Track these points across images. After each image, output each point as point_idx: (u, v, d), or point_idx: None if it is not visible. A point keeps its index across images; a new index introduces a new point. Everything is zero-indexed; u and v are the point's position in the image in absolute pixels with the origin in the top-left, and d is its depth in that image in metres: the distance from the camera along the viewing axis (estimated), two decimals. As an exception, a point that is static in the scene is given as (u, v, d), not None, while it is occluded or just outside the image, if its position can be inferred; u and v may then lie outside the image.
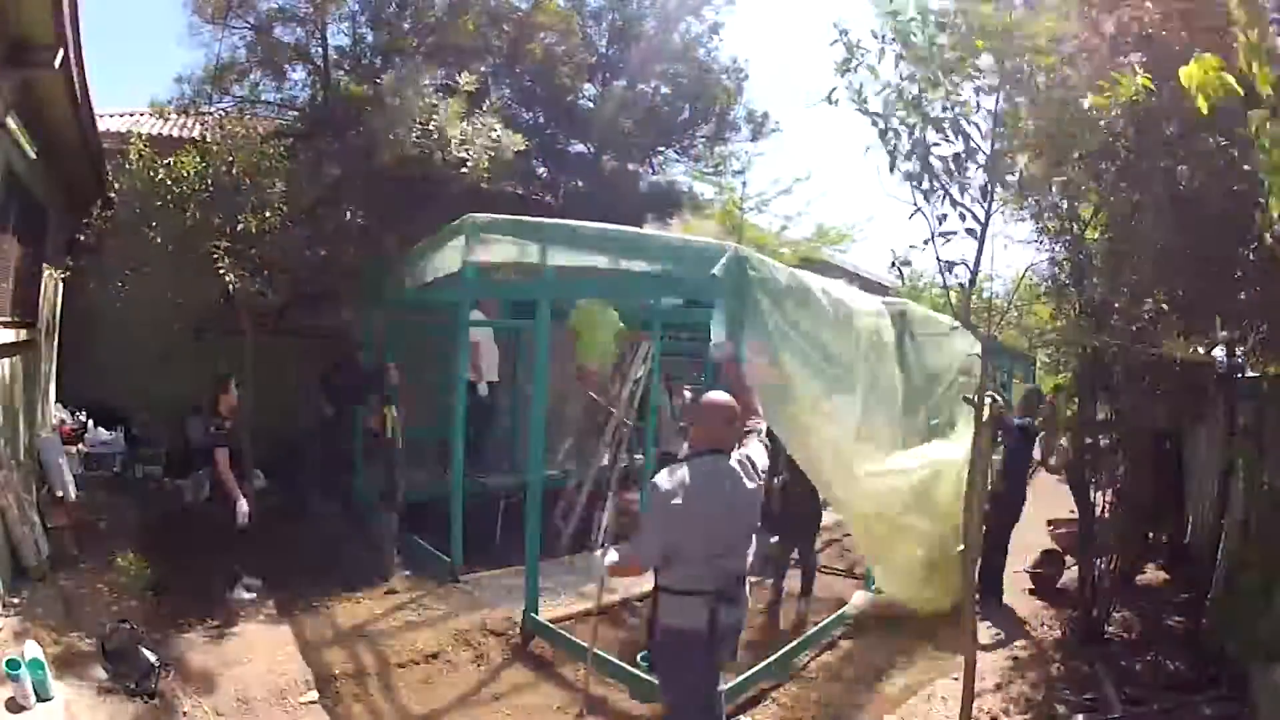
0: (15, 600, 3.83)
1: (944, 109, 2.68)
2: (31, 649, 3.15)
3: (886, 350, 4.58)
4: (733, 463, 2.48)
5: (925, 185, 2.74)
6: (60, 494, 5.04)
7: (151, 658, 3.46)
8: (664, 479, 2.43)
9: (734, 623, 2.50)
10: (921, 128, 2.68)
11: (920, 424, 5.00)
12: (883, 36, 2.67)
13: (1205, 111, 1.78)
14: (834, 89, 2.74)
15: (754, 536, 2.61)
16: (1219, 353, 4.35)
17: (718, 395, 2.59)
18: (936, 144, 2.72)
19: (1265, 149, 1.68)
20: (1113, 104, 2.37)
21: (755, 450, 2.61)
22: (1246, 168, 2.83)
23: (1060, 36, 2.56)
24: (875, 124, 2.73)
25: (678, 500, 2.36)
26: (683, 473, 2.42)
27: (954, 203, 2.75)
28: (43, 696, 3.03)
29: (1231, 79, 1.75)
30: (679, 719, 2.66)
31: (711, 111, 10.25)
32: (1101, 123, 2.81)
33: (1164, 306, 3.09)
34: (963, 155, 2.72)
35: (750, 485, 2.49)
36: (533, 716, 3.55)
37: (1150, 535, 5.62)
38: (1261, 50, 1.72)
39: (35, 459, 5.12)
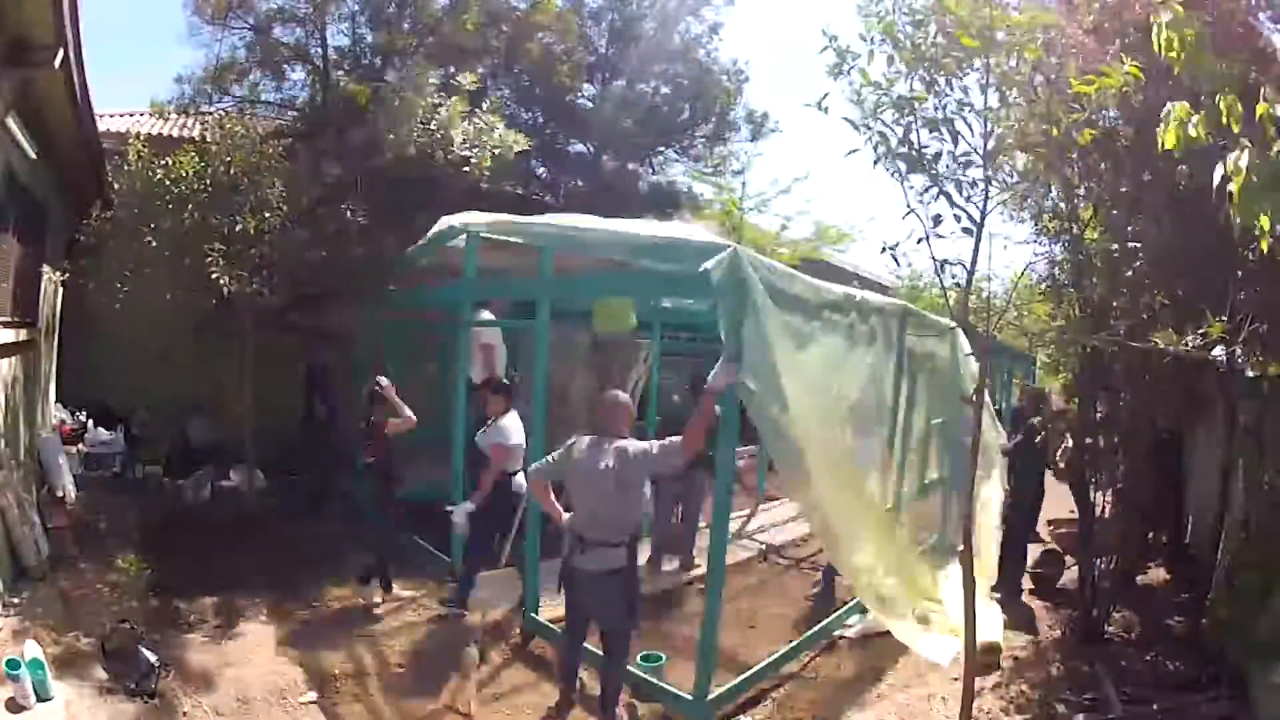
0: (15, 600, 3.83)
1: (935, 108, 2.68)
2: (31, 649, 3.16)
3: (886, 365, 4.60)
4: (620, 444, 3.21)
5: (917, 185, 2.74)
6: (60, 494, 5.05)
7: (151, 658, 3.46)
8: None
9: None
10: (915, 128, 2.67)
11: (919, 443, 5.02)
12: (870, 38, 2.67)
13: (1174, 148, 1.89)
14: (825, 94, 2.74)
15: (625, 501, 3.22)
16: (1219, 353, 4.35)
17: (618, 395, 3.51)
18: (926, 145, 2.72)
19: (1240, 195, 1.69)
20: (1104, 95, 2.37)
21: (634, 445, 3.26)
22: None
23: (1045, 29, 2.55)
24: (861, 129, 2.73)
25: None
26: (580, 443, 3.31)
27: (950, 202, 2.74)
28: (43, 696, 3.03)
29: (1202, 121, 1.80)
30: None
31: (711, 112, 10.26)
32: (1096, 119, 2.82)
33: (1164, 302, 3.09)
34: (955, 153, 2.72)
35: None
36: (533, 716, 3.55)
37: (1150, 535, 5.61)
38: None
39: (35, 459, 5.12)
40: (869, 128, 2.71)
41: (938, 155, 2.71)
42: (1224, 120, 1.76)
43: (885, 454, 4.75)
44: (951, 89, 2.65)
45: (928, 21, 2.58)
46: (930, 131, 2.69)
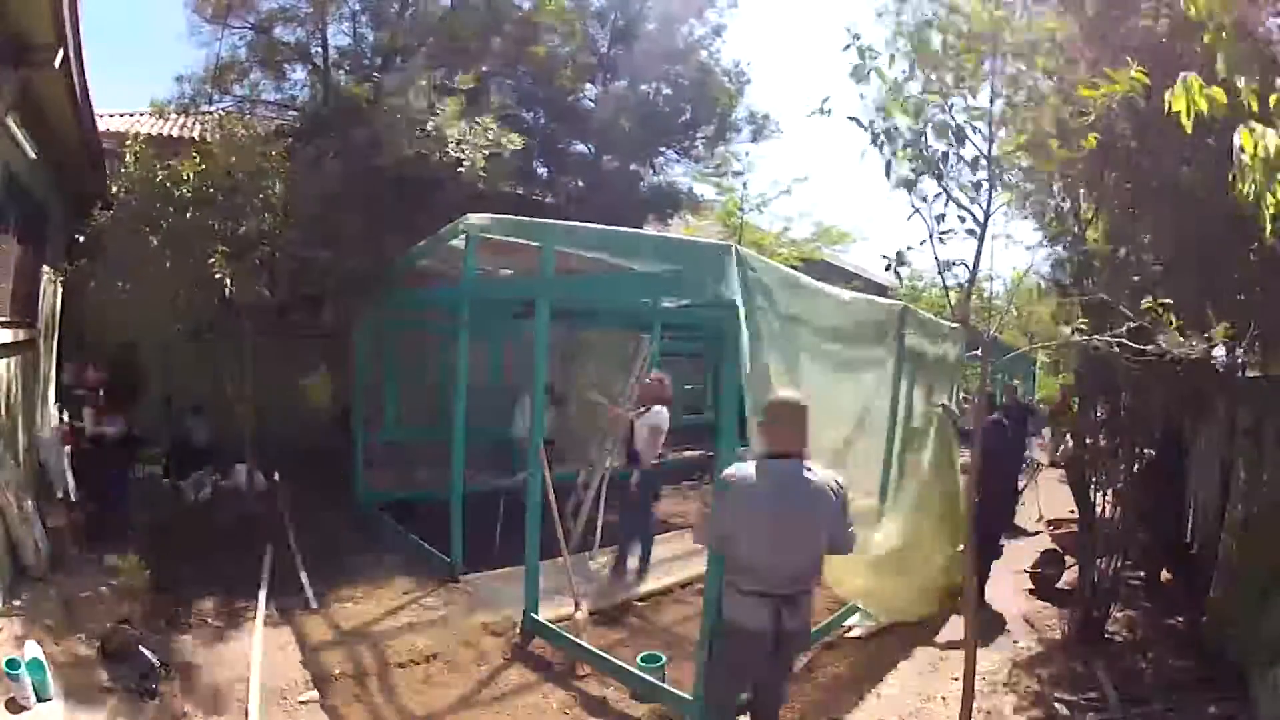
0: (15, 601, 3.83)
1: (943, 110, 2.68)
2: (31, 649, 3.15)
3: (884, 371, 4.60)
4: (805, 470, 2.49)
5: (923, 187, 2.74)
6: (60, 494, 5.04)
7: (151, 658, 3.46)
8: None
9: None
10: (926, 131, 2.67)
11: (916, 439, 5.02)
12: (893, 42, 2.67)
13: (1189, 130, 1.83)
14: (826, 99, 2.73)
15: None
16: (1219, 353, 4.35)
17: (797, 399, 2.59)
18: (933, 148, 2.71)
19: (1252, 165, 1.70)
20: (1109, 99, 2.37)
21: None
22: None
23: (1053, 36, 2.56)
24: (870, 130, 2.72)
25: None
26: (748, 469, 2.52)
27: (956, 203, 2.74)
28: (43, 696, 3.03)
29: (1220, 91, 1.77)
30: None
31: (712, 113, 10.26)
32: (1102, 122, 2.81)
33: (1166, 301, 3.09)
34: (962, 156, 2.72)
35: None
36: (533, 717, 3.55)
37: (1151, 535, 5.61)
38: (1245, 60, 1.74)
39: (35, 459, 5.12)
40: (886, 134, 2.70)
41: (945, 157, 2.71)
42: (1240, 97, 1.75)
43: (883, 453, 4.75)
44: (963, 93, 2.65)
45: (946, 28, 2.57)
46: (939, 135, 2.68)
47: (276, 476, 6.62)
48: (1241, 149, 1.70)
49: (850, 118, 2.74)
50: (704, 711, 2.91)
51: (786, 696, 2.98)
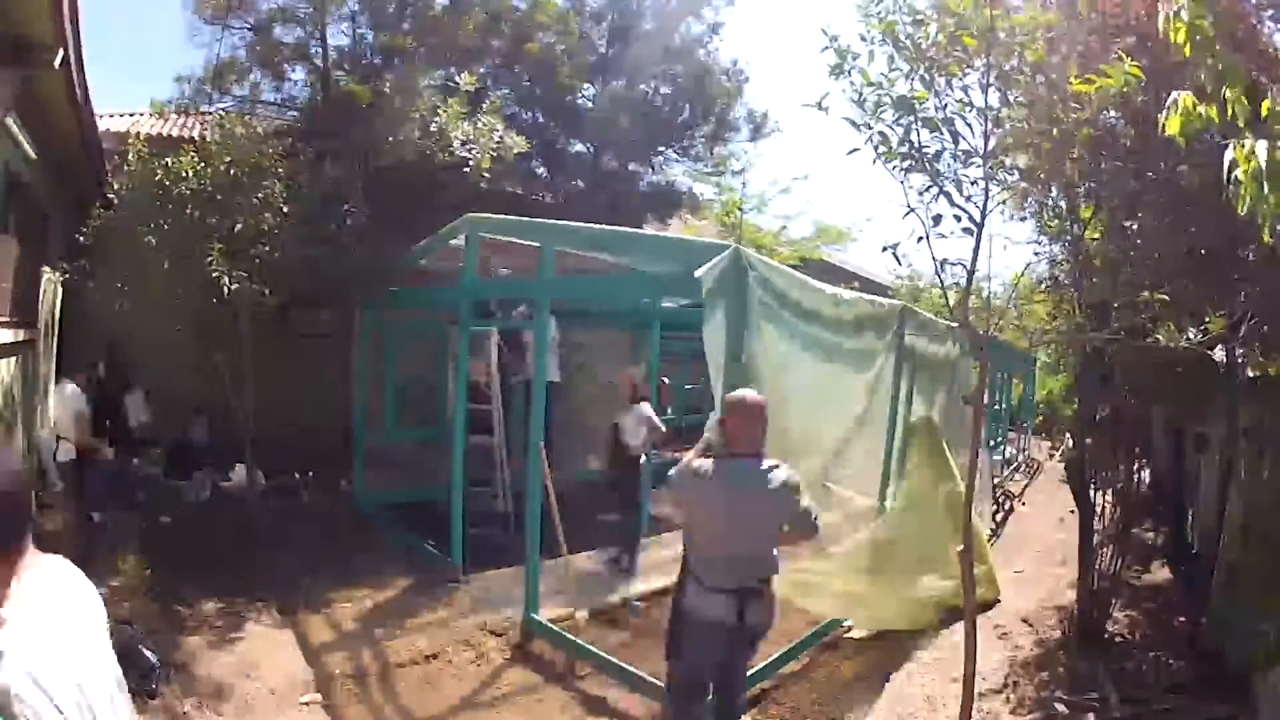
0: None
1: (935, 108, 2.67)
2: None
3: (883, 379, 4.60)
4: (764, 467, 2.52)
5: (917, 184, 2.73)
6: (60, 493, 5.04)
7: (152, 658, 3.46)
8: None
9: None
10: (915, 128, 2.67)
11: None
12: (870, 39, 2.66)
13: (1183, 143, 1.84)
14: (826, 94, 2.73)
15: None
16: (1219, 352, 4.35)
17: (753, 395, 2.61)
18: (926, 145, 2.71)
19: (1244, 181, 1.70)
20: (1104, 95, 2.36)
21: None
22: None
23: (1047, 29, 2.55)
24: (862, 128, 2.72)
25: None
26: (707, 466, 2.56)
27: (950, 201, 2.74)
28: None
29: (1212, 110, 1.78)
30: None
31: (711, 111, 10.26)
32: (1097, 119, 2.81)
33: (1164, 297, 3.09)
34: (956, 153, 2.71)
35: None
36: (533, 717, 3.55)
37: (1151, 536, 5.62)
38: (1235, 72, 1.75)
39: (35, 459, 5.12)
40: (870, 127, 2.70)
41: (938, 154, 2.71)
42: (1229, 113, 1.76)
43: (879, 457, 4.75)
44: (952, 89, 2.64)
45: (929, 21, 2.57)
46: (931, 131, 2.68)
47: (276, 476, 6.62)
48: (1235, 163, 1.70)
49: (845, 119, 2.73)
50: (674, 714, 2.89)
51: (744, 707, 2.97)
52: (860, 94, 2.68)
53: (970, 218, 2.75)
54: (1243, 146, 1.69)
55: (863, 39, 2.67)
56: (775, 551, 2.61)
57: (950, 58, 2.56)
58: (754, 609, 2.49)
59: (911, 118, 2.66)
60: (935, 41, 2.56)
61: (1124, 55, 2.36)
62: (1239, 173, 1.70)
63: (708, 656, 2.61)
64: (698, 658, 2.63)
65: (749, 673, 3.73)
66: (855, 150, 2.77)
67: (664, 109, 10.16)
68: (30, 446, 5.10)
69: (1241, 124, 1.76)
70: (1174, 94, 1.86)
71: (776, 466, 2.56)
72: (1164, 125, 1.88)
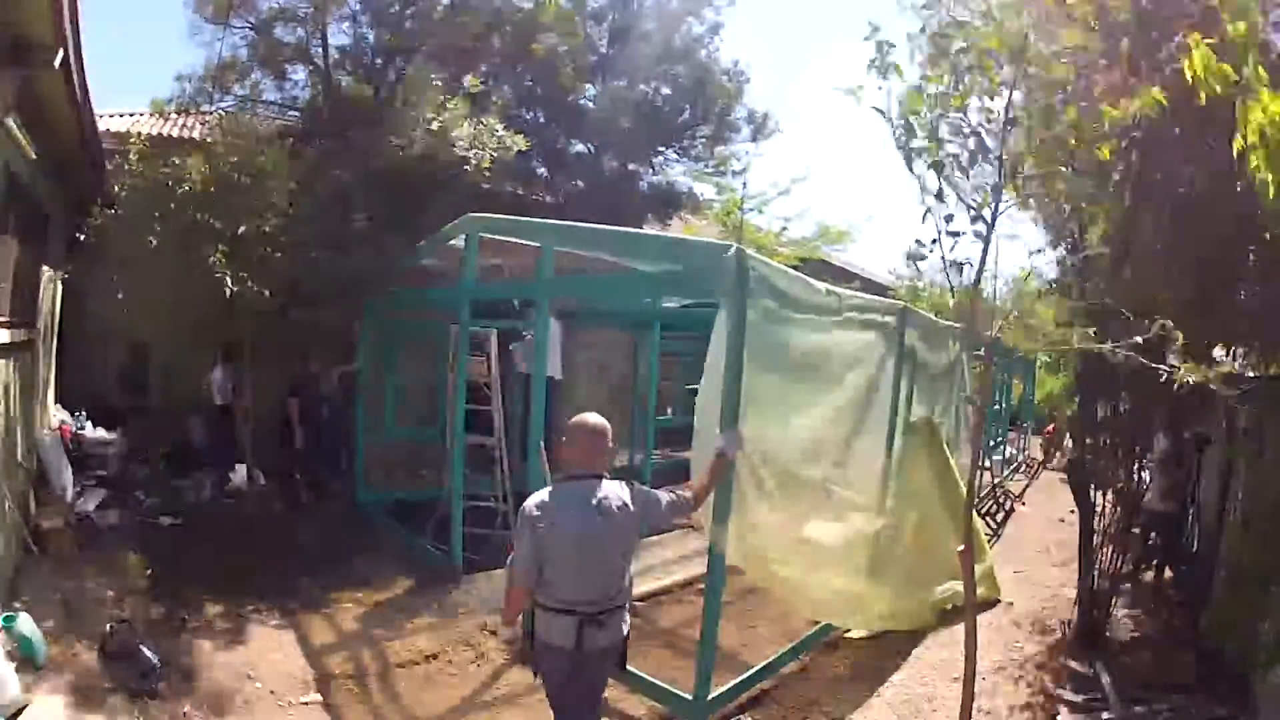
0: (16, 602, 3.83)
1: (962, 113, 2.66)
2: (25, 622, 3.34)
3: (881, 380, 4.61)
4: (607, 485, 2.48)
5: (936, 186, 2.73)
6: (60, 493, 5.04)
7: (152, 658, 3.46)
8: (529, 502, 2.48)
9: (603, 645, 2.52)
10: (943, 129, 2.66)
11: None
12: (913, 36, 2.65)
13: (1203, 102, 1.82)
14: (859, 86, 2.70)
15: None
16: (1219, 352, 4.35)
17: (594, 420, 2.57)
18: (951, 141, 2.70)
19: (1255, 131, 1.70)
20: (1129, 115, 2.36)
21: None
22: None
23: (1075, 52, 2.54)
24: (892, 125, 2.71)
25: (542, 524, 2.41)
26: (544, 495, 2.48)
27: (967, 205, 2.73)
28: (37, 665, 3.27)
29: (1229, 68, 1.78)
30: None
31: (712, 112, 10.27)
32: (1117, 138, 2.81)
33: (1167, 324, 3.09)
34: (977, 156, 2.70)
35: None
36: (533, 717, 3.55)
37: (1152, 535, 5.61)
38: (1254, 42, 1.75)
39: (35, 459, 5.12)
40: (906, 125, 2.68)
41: (958, 159, 2.70)
42: (1243, 61, 1.75)
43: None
44: (979, 98, 2.64)
45: (966, 34, 2.55)
46: (956, 135, 2.67)
47: (276, 476, 6.62)
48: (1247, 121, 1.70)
49: (875, 108, 2.72)
50: None
51: None
52: (894, 95, 2.66)
53: (983, 220, 2.75)
54: (1258, 102, 1.69)
55: (908, 38, 2.65)
56: (626, 575, 2.57)
57: (977, 68, 2.55)
58: (591, 635, 2.46)
59: (942, 118, 2.66)
60: (966, 47, 2.55)
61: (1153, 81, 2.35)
62: (1249, 130, 1.70)
63: (559, 678, 2.61)
64: (549, 679, 2.64)
65: (749, 672, 3.76)
66: (883, 145, 2.76)
67: (665, 109, 10.17)
68: (31, 448, 5.10)
69: (1261, 73, 1.75)
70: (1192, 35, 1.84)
71: (619, 482, 2.54)
72: (1190, 69, 1.84)
